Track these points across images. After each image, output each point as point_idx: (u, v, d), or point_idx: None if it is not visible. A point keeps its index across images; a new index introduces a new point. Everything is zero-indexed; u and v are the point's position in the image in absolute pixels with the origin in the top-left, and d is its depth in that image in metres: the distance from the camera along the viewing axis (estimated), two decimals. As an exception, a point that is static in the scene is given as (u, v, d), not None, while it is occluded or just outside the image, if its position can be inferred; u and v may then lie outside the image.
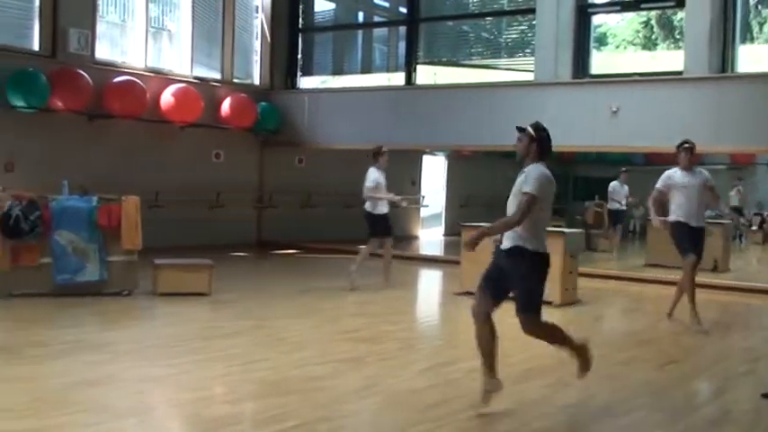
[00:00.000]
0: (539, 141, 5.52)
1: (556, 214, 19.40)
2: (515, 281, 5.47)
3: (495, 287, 5.55)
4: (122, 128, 14.84)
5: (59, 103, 13.60)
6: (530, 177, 5.40)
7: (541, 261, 5.49)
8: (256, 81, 17.90)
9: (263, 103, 17.09)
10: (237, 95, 16.50)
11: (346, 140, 16.56)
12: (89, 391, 5.78)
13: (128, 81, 14.60)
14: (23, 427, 4.92)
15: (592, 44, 14.58)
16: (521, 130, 5.59)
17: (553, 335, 5.73)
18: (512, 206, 5.51)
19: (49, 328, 8.21)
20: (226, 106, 16.29)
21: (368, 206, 11.25)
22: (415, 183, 21.38)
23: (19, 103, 13.15)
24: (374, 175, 11.27)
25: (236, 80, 17.35)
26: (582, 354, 5.82)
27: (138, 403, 5.60)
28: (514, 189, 5.55)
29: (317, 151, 17.69)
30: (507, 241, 5.50)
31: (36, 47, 13.97)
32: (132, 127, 14.90)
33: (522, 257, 5.41)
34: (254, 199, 17.46)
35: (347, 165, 18.73)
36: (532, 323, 5.51)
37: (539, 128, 5.59)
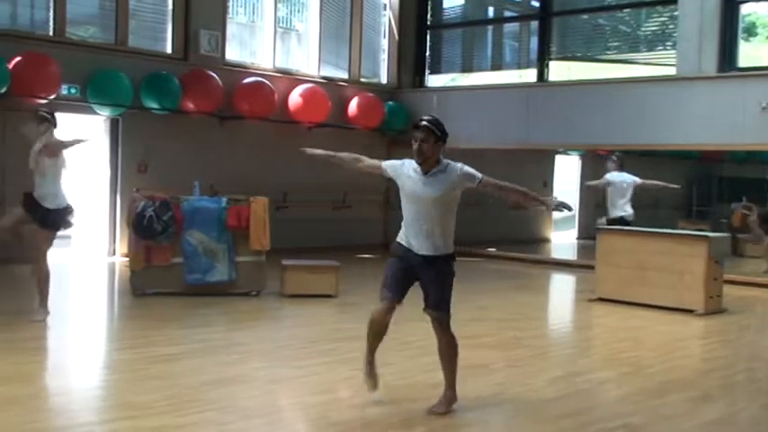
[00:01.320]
0: (444, 142, 5.48)
1: (698, 217, 18.74)
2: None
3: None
4: (251, 129, 15.28)
5: (191, 105, 14.16)
6: (465, 170, 5.52)
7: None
8: (384, 80, 18.10)
9: (391, 103, 17.26)
10: (365, 95, 16.74)
11: (476, 140, 16.45)
12: (220, 390, 6.04)
13: (257, 82, 15.05)
14: (159, 424, 5.19)
15: (740, 35, 14.04)
16: (422, 128, 5.45)
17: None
18: (432, 213, 5.47)
19: (180, 327, 8.58)
20: (353, 106, 16.54)
21: None
22: (547, 184, 21.10)
23: (153, 105, 13.77)
24: None
25: (363, 79, 17.60)
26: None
27: (266, 404, 5.81)
28: (426, 195, 5.44)
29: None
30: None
31: (169, 49, 14.61)
32: (261, 128, 15.33)
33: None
34: (381, 199, 17.64)
35: (477, 166, 18.70)
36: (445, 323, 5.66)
37: (440, 124, 5.53)
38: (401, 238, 5.65)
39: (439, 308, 5.54)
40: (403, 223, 5.62)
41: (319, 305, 9.93)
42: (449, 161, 5.52)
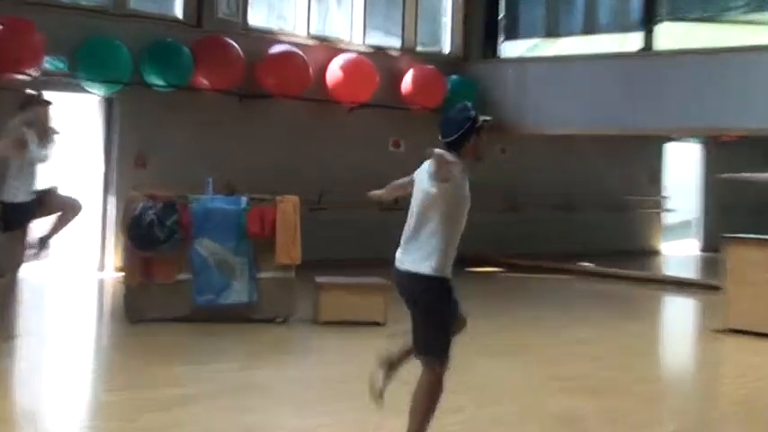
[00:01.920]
0: None
1: None
2: None
3: None
4: (279, 110, 15.26)
5: (204, 81, 14.18)
6: None
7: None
8: (446, 49, 18.02)
9: (455, 77, 17.16)
10: (422, 68, 16.66)
11: (564, 124, 16.36)
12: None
13: (286, 52, 15.04)
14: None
15: None
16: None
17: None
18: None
19: (186, 362, 8.48)
20: (407, 81, 16.48)
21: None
22: (656, 180, 20.84)
23: (156, 81, 13.81)
24: None
25: (420, 48, 17.51)
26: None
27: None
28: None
29: (526, 138, 17.54)
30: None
31: (178, 13, 14.63)
32: (291, 109, 15.32)
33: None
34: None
35: (564, 156, 18.56)
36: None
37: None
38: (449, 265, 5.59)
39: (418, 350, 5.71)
40: (448, 243, 5.54)
41: (363, 335, 9.76)
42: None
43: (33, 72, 12.57)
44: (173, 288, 9.94)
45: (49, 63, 13.02)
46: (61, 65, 13.23)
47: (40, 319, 10.71)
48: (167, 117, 14.22)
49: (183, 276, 9.99)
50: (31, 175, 8.64)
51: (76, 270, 13.72)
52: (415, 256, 5.39)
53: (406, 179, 5.82)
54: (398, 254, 5.52)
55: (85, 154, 13.96)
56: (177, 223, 9.94)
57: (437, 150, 5.16)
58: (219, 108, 14.59)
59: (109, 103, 13.94)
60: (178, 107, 14.20)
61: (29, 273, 13.03)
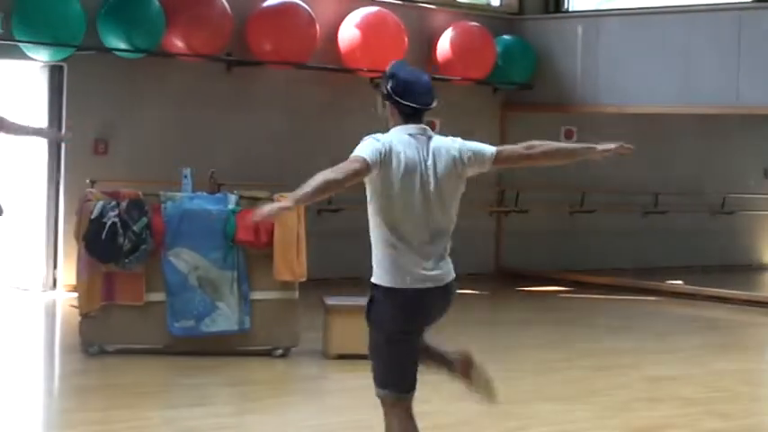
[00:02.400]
0: (394, 93, 5.71)
1: None
2: None
3: None
4: (277, 81, 15.38)
5: (179, 44, 14.33)
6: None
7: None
8: (495, 1, 18.11)
9: (507, 38, 17.27)
10: (465, 25, 16.77)
11: (649, 99, 16.35)
12: None
13: (285, 6, 15.17)
14: None
15: None
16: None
17: None
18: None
19: (160, 406, 8.63)
20: (444, 44, 16.57)
21: None
22: (770, 173, 20.82)
23: (117, 44, 13.93)
24: None
25: (461, 0, 17.63)
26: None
27: None
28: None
29: (599, 118, 17.61)
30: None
31: (145, -46, 14.81)
32: (293, 80, 15.47)
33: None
34: (490, 199, 17.61)
35: (650, 143, 18.58)
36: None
37: (393, 77, 5.73)
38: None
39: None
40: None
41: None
42: (400, 133, 5.74)
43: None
44: (141, 312, 10.09)
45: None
46: (-6, 23, 13.41)
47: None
48: (133, 90, 14.33)
49: (154, 297, 10.12)
50: None
51: (18, 288, 13.88)
52: None
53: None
54: None
55: (27, 138, 14.06)
56: (147, 228, 10.06)
57: None
58: (200, 78, 14.70)
59: (56, 73, 14.08)
60: (147, 77, 14.32)
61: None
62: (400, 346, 5.80)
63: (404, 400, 5.80)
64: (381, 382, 5.83)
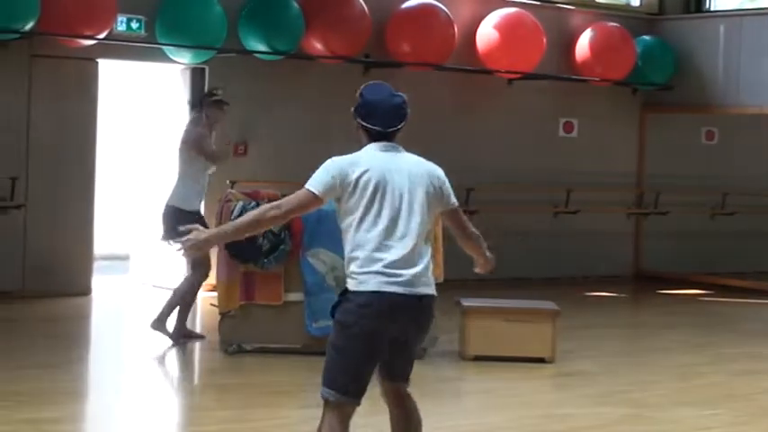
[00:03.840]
0: (358, 115, 5.79)
1: None
2: None
3: None
4: (414, 81, 15.34)
5: (318, 46, 14.43)
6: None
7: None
8: (635, 1, 17.97)
9: (647, 38, 17.11)
10: (604, 26, 16.64)
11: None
12: None
13: (423, 7, 15.18)
14: None
15: None
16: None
17: None
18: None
19: (299, 405, 8.72)
20: (584, 45, 16.47)
21: None
22: None
23: (257, 46, 14.11)
24: None
25: (601, 0, 17.55)
26: None
27: None
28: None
29: (741, 119, 17.39)
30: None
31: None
32: (430, 80, 15.47)
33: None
34: (630, 201, 17.44)
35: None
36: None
37: (360, 98, 5.82)
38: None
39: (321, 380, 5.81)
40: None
41: (524, 375, 9.92)
42: (364, 151, 5.77)
43: (101, 36, 12.92)
44: (280, 312, 10.20)
45: (122, 24, 13.37)
46: (138, 26, 13.56)
47: (113, 350, 11.15)
48: (272, 92, 14.47)
49: (292, 297, 10.22)
50: (206, 182, 10.92)
51: (157, 287, 14.06)
52: None
53: None
54: None
55: (169, 138, 14.26)
56: (286, 229, 10.15)
57: None
58: (339, 79, 14.69)
59: (198, 75, 14.25)
60: (286, 79, 14.45)
61: (109, 291, 13.66)
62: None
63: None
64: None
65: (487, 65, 15.74)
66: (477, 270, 6.10)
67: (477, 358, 10.17)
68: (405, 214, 5.57)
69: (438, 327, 10.38)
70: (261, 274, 10.19)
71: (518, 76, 15.90)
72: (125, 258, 14.85)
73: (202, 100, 11.24)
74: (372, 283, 5.44)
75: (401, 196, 5.59)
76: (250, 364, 9.94)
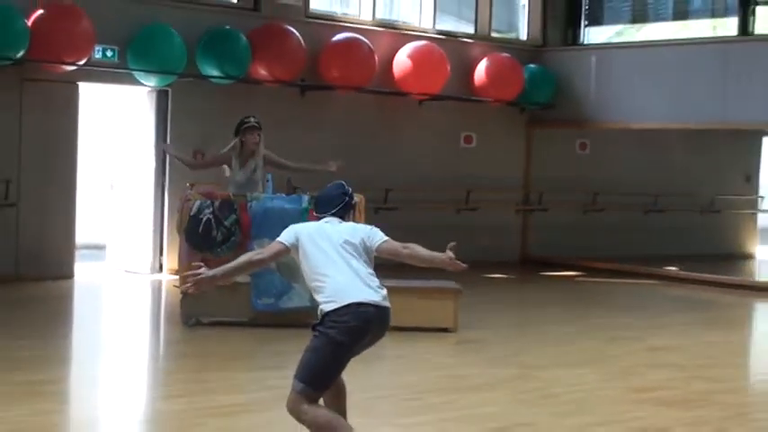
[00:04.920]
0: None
1: None
2: None
3: None
4: (342, 103, 15.43)
5: (263, 72, 14.40)
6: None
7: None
8: (523, 35, 18.07)
9: (533, 66, 17.20)
10: (497, 56, 16.69)
11: (650, 117, 16.28)
12: (296, 453, 6.10)
13: (350, 40, 15.18)
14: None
15: None
16: None
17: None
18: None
19: (246, 369, 8.71)
20: (481, 71, 16.53)
21: None
22: (751, 178, 20.67)
23: (212, 72, 14.05)
24: None
25: (495, 35, 17.60)
26: None
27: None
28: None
29: (608, 133, 17.57)
30: None
31: (236, -1, 14.93)
32: (355, 101, 15.50)
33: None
34: (518, 199, 17.57)
35: (651, 152, 18.51)
36: (293, 400, 5.55)
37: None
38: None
39: (295, 375, 5.62)
40: None
41: (431, 342, 9.97)
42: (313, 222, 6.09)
43: (81, 62, 12.86)
44: (231, 292, 10.07)
45: (99, 53, 13.27)
46: (112, 55, 13.46)
47: (93, 325, 11.08)
48: (225, 109, 14.35)
49: (241, 279, 10.13)
50: (241, 179, 10.75)
51: (130, 272, 14.01)
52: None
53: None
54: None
55: (138, 149, 14.21)
56: (236, 223, 10.17)
57: None
58: (279, 100, 14.72)
59: (163, 96, 14.16)
60: (236, 99, 14.34)
61: (89, 275, 13.57)
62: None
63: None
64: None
65: (402, 88, 15.75)
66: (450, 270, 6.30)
67: (394, 329, 10.18)
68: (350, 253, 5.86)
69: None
70: (215, 260, 10.07)
71: (427, 97, 15.95)
72: (102, 247, 14.77)
73: (238, 128, 11.07)
74: (348, 297, 5.67)
75: (344, 244, 5.84)
76: (206, 334, 9.91)
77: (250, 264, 5.87)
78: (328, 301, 5.61)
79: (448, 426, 6.92)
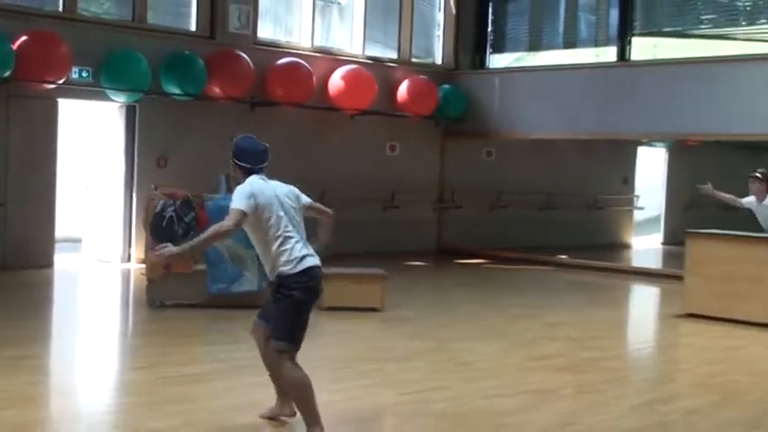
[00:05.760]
0: (235, 157, 5.84)
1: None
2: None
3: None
4: (286, 117, 15.38)
5: (217, 90, 14.30)
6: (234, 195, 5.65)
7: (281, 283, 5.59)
8: (438, 60, 18.10)
9: (446, 86, 17.26)
10: (416, 78, 16.76)
11: (545, 129, 16.45)
12: (249, 415, 6.09)
13: (292, 63, 15.14)
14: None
15: None
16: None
17: (295, 388, 5.66)
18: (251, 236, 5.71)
19: (203, 343, 8.68)
20: (403, 90, 16.57)
21: None
22: (628, 180, 20.97)
23: (174, 90, 13.93)
24: None
25: (414, 60, 17.62)
26: (282, 409, 5.94)
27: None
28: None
29: (510, 142, 17.68)
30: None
31: (193, 27, 14.78)
32: (297, 116, 15.43)
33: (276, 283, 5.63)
34: (434, 199, 17.65)
35: (545, 159, 18.70)
36: (278, 358, 5.62)
37: (233, 141, 5.97)
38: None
39: (275, 337, 5.63)
40: None
41: (362, 320, 9.98)
42: (252, 180, 5.71)
43: (60, 81, 12.72)
44: (190, 278, 10.08)
45: (76, 73, 13.12)
46: (87, 75, 13.30)
47: (71, 307, 10.95)
48: (184, 123, 14.32)
49: (199, 267, 10.12)
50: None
51: (103, 261, 13.86)
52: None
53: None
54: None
55: (111, 155, 14.06)
56: (194, 219, 10.07)
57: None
58: (231, 115, 14.61)
59: (131, 111, 13.98)
60: (194, 114, 14.29)
61: (67, 264, 13.37)
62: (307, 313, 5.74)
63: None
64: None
65: (336, 104, 15.72)
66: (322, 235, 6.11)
67: (330, 308, 10.21)
68: (294, 216, 5.68)
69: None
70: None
71: (357, 112, 15.94)
72: (78, 240, 14.59)
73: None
74: (305, 262, 5.57)
75: (290, 207, 5.66)
76: (168, 315, 9.82)
77: (217, 234, 5.56)
78: (290, 264, 5.54)
79: (375, 390, 6.94)
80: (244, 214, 5.48)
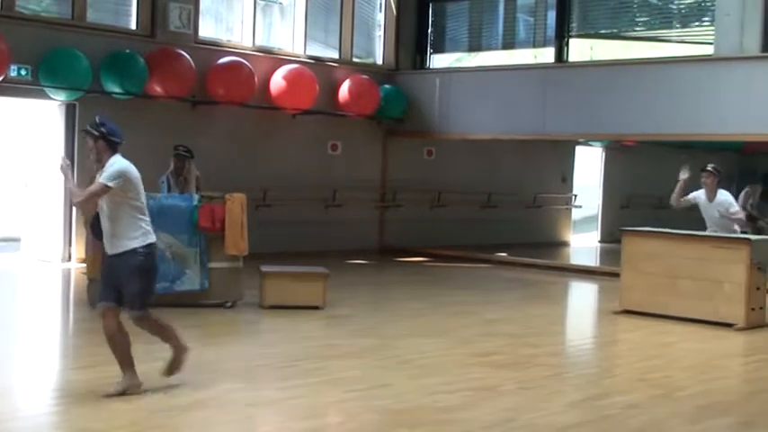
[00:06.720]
0: (103, 137, 6.54)
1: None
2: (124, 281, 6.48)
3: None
4: (227, 116, 15.29)
5: (158, 89, 14.16)
6: (105, 169, 6.42)
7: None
8: (379, 60, 18.12)
9: (387, 87, 17.29)
10: (357, 77, 16.76)
11: (484, 129, 16.53)
12: (191, 414, 6.04)
13: (234, 62, 15.05)
14: (119, 454, 5.18)
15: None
16: (86, 132, 6.64)
17: (161, 332, 6.82)
18: (104, 209, 6.57)
19: (144, 342, 8.50)
20: (344, 90, 16.56)
21: None
22: (566, 179, 21.16)
23: (114, 88, 13.76)
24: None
25: (356, 60, 17.62)
26: (179, 355, 6.82)
27: (244, 431, 5.79)
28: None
29: (450, 142, 17.75)
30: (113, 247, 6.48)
31: (133, 25, 14.61)
32: (238, 115, 15.35)
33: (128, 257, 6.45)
34: (376, 197, 17.66)
35: (485, 158, 18.82)
36: (141, 320, 6.65)
37: (98, 124, 6.60)
38: None
39: (131, 307, 6.55)
40: None
41: (304, 318, 9.94)
42: (119, 159, 6.49)
43: (-1, 79, 12.54)
44: (132, 277, 9.99)
45: (14, 71, 12.90)
46: (25, 73, 13.11)
47: (9, 307, 10.74)
48: (125, 121, 13.87)
49: (141, 266, 10.03)
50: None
51: (43, 261, 13.66)
52: None
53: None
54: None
55: (50, 154, 13.84)
56: (137, 218, 9.98)
57: None
58: (173, 114, 14.53)
59: (71, 109, 13.80)
60: (135, 112, 14.08)
61: (6, 263, 13.15)
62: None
63: None
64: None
65: (278, 104, 15.66)
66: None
67: (272, 307, 10.18)
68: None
69: (244, 285, 10.45)
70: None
71: (299, 112, 15.89)
72: (18, 239, 14.37)
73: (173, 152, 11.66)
74: (152, 237, 6.56)
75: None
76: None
77: (91, 195, 6.49)
78: (143, 238, 6.48)
79: (319, 387, 6.92)
80: (107, 188, 6.35)
